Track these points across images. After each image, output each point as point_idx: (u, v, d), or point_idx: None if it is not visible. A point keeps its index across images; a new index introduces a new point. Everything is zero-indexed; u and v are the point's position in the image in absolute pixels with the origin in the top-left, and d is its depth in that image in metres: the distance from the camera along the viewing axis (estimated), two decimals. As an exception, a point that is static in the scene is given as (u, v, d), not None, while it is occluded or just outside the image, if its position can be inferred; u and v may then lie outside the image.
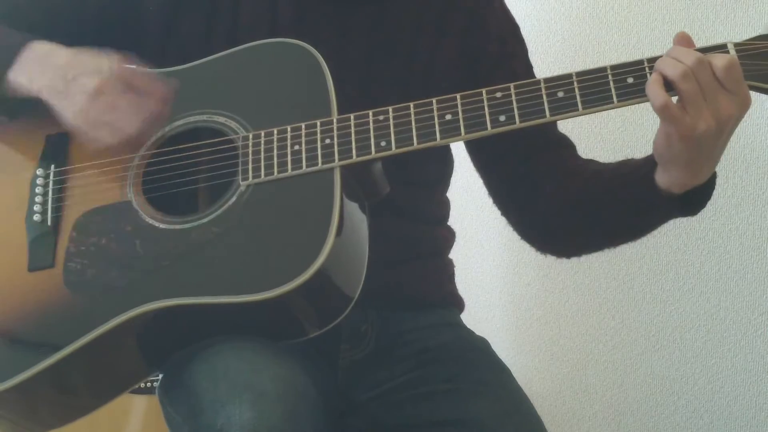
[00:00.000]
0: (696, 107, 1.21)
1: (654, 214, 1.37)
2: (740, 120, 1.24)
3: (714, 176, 1.32)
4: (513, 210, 1.54)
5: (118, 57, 1.37)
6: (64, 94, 1.35)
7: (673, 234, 2.27)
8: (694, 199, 1.32)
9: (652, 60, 1.25)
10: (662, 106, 1.21)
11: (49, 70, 1.37)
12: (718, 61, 1.21)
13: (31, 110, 1.40)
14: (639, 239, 1.44)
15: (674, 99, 1.23)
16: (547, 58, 2.37)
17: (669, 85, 1.22)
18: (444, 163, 1.58)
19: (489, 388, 1.44)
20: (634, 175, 1.35)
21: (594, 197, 1.42)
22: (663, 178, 1.30)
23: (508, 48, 1.55)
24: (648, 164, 1.32)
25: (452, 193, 1.62)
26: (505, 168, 1.52)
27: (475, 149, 1.56)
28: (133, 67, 1.37)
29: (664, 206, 1.33)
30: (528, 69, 1.56)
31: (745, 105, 1.23)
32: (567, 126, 1.47)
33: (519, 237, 1.56)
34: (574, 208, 1.45)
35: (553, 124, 1.53)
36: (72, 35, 1.48)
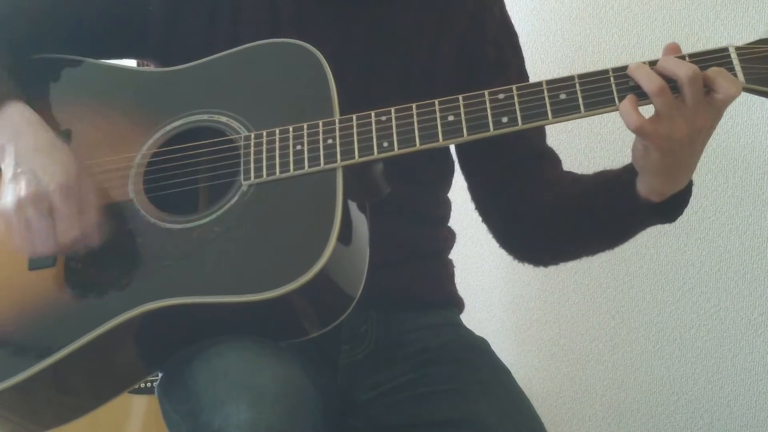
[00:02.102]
0: (670, 119, 1.22)
1: (633, 221, 1.39)
2: (713, 128, 1.26)
3: (691, 183, 1.34)
4: (494, 217, 1.55)
5: (68, 170, 1.32)
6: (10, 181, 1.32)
7: (673, 234, 2.27)
8: (672, 206, 1.34)
9: (654, 62, 1.25)
10: (636, 128, 1.23)
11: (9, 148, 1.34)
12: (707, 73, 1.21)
13: None
14: (616, 247, 1.45)
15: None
16: (547, 58, 2.37)
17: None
18: (444, 163, 1.58)
19: (489, 388, 1.44)
20: (614, 181, 1.37)
21: (574, 203, 1.43)
22: (642, 186, 1.32)
23: (503, 55, 1.55)
24: (628, 172, 1.34)
25: (452, 194, 1.61)
26: (491, 175, 1.53)
27: (464, 155, 1.56)
28: (72, 186, 1.32)
29: (643, 213, 1.35)
30: (521, 79, 1.54)
31: (718, 115, 1.24)
32: (566, 125, 1.47)
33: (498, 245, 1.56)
34: (554, 214, 1.46)
35: (543, 136, 1.54)
36: (74, 34, 1.49)
